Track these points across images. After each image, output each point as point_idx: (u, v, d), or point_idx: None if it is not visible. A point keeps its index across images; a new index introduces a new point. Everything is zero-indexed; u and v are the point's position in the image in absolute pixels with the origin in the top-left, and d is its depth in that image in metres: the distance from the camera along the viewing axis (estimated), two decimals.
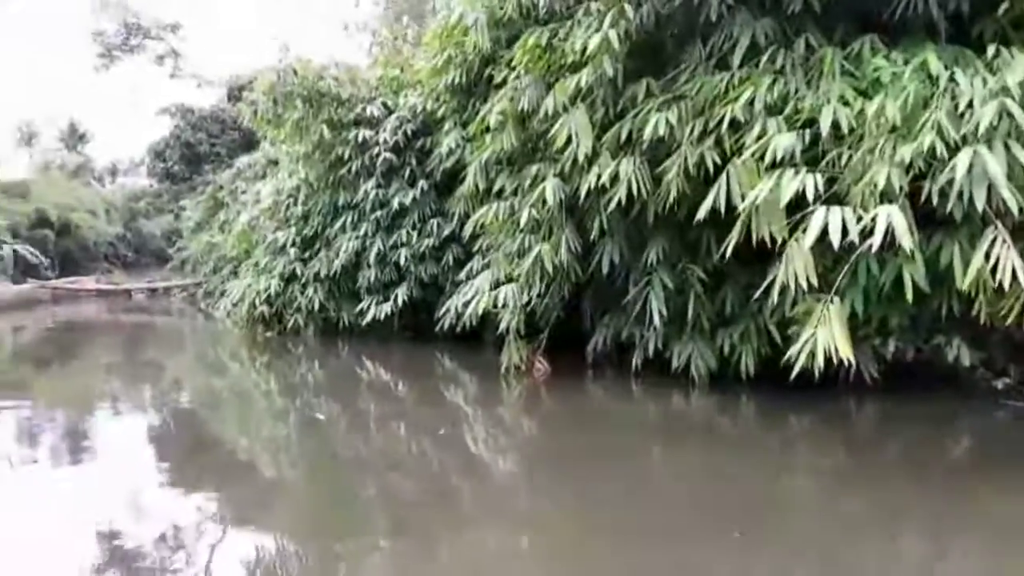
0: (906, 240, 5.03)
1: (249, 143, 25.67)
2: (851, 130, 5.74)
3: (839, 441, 6.75)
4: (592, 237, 8.08)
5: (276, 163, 17.86)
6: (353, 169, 12.80)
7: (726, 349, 7.80)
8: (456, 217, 11.34)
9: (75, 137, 47.73)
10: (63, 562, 3.91)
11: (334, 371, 11.77)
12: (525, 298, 8.75)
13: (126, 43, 34.20)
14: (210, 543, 4.31)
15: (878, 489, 5.16)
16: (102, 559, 4.03)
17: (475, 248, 10.80)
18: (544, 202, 8.06)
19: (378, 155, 12.37)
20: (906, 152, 5.19)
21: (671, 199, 6.86)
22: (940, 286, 6.16)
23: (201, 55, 42.82)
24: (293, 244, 14.10)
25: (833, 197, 5.55)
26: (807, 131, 6.00)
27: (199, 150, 30.31)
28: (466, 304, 9.77)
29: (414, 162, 12.42)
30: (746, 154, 6.11)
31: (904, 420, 7.10)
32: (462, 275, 10.98)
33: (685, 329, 8.03)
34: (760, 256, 6.76)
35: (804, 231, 5.36)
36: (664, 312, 7.82)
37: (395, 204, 12.32)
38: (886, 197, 5.19)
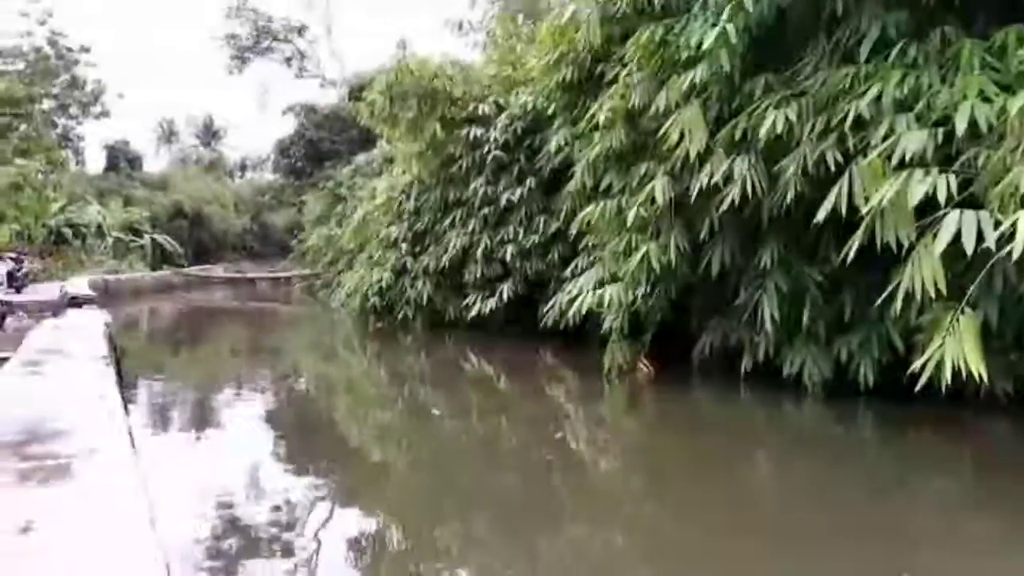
0: None
1: (367, 140, 26.51)
2: (990, 128, 5.30)
3: (964, 461, 6.27)
4: (702, 237, 7.86)
5: (392, 161, 18.37)
6: (464, 166, 13.00)
7: (843, 357, 7.40)
8: (563, 215, 11.29)
9: (210, 134, 50.88)
10: (185, 527, 4.15)
11: (440, 363, 12.01)
12: (630, 298, 8.60)
13: (256, 45, 36.07)
14: (318, 520, 4.48)
15: (1004, 517, 4.76)
16: (221, 526, 4.27)
17: (581, 246, 10.72)
18: (653, 200, 7.90)
19: (488, 153, 12.52)
20: None
21: (788, 200, 6.58)
22: None
23: (326, 56, 44.48)
24: (404, 239, 14.50)
25: (967, 200, 5.14)
26: (940, 129, 5.59)
27: (321, 147, 31.60)
28: (570, 302, 9.71)
29: (523, 160, 12.48)
30: (872, 153, 5.76)
31: None
32: (567, 272, 10.93)
33: (799, 335, 7.67)
34: (883, 260, 6.38)
35: (934, 236, 4.99)
36: (777, 317, 7.50)
37: (503, 201, 12.42)
38: None
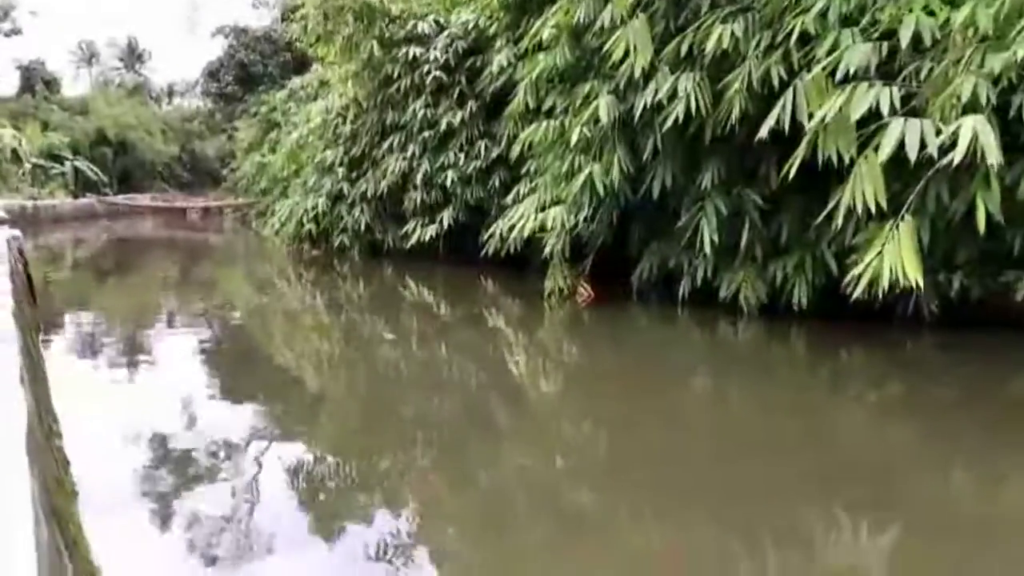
0: (993, 154, 4.60)
1: (302, 65, 25.47)
2: (935, 42, 5.30)
3: (891, 375, 6.45)
4: (645, 159, 7.77)
5: (327, 85, 17.67)
6: (402, 88, 12.56)
7: (778, 279, 7.50)
8: (504, 140, 11.05)
9: (134, 57, 48.17)
10: (119, 462, 3.95)
11: (378, 291, 11.80)
12: (572, 221, 8.51)
13: None
14: (255, 453, 4.30)
15: (929, 422, 4.92)
16: (154, 462, 4.06)
17: (522, 171, 10.54)
18: (597, 120, 7.75)
19: (428, 73, 12.10)
20: (996, 62, 4.74)
21: (732, 118, 6.51)
22: (1019, 219, 5.75)
23: None
24: (341, 164, 14.04)
25: (910, 113, 5.14)
26: (884, 44, 5.56)
27: (253, 71, 30.26)
28: (511, 228, 9.57)
29: (464, 81, 12.10)
30: (816, 68, 5.71)
31: (961, 358, 6.74)
32: (508, 199, 10.75)
33: (736, 258, 7.74)
34: (822, 182, 6.41)
35: (876, 148, 4.99)
36: (716, 239, 7.53)
37: (443, 124, 12.08)
38: (970, 109, 4.76)
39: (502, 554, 3.19)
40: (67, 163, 30.85)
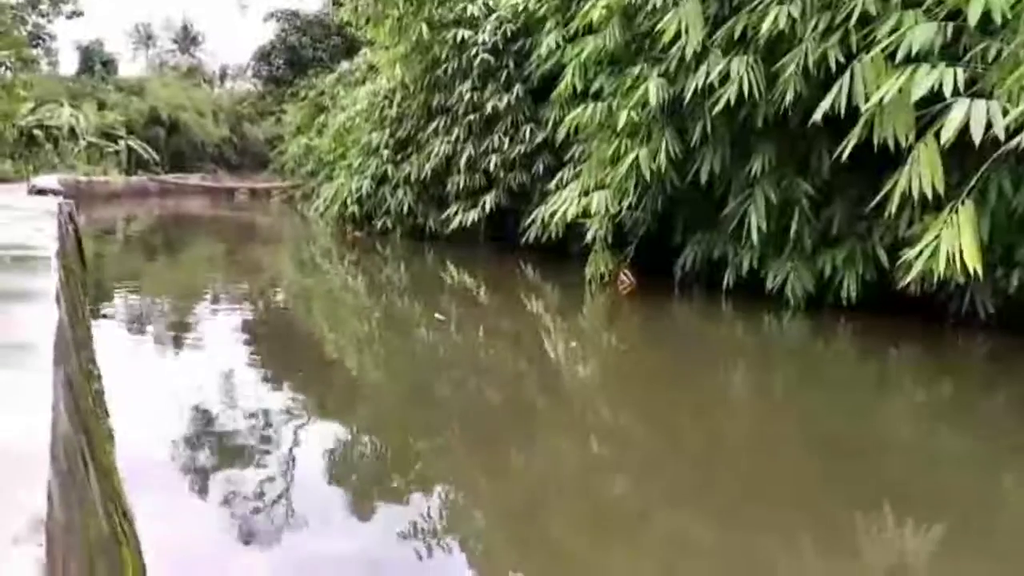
0: None
1: (351, 49, 25.65)
2: (1005, 21, 5.04)
3: (943, 376, 6.21)
4: (693, 144, 7.60)
5: (376, 69, 17.75)
6: (449, 71, 12.51)
7: (827, 272, 7.28)
8: (550, 124, 10.93)
9: (188, 39, 49.07)
10: (162, 433, 3.95)
11: (419, 274, 11.80)
12: (616, 207, 8.38)
13: None
14: (294, 430, 4.28)
15: (981, 426, 4.70)
16: (196, 435, 4.06)
17: (567, 157, 10.43)
18: (645, 103, 7.60)
19: (475, 56, 12.03)
20: None
21: (786, 100, 6.31)
22: None
23: None
24: (386, 146, 14.09)
25: (974, 96, 4.91)
26: (949, 24, 5.32)
27: (303, 54, 30.56)
28: (553, 214, 9.47)
29: (511, 65, 12.01)
30: (875, 49, 5.48)
31: (1019, 361, 6.45)
32: (551, 185, 10.64)
33: (784, 249, 7.53)
34: (875, 172, 6.19)
35: (937, 132, 4.77)
36: (763, 229, 7.34)
37: (489, 108, 12.00)
38: None
39: (537, 539, 3.12)
40: (121, 142, 31.56)
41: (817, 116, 5.82)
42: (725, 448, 4.26)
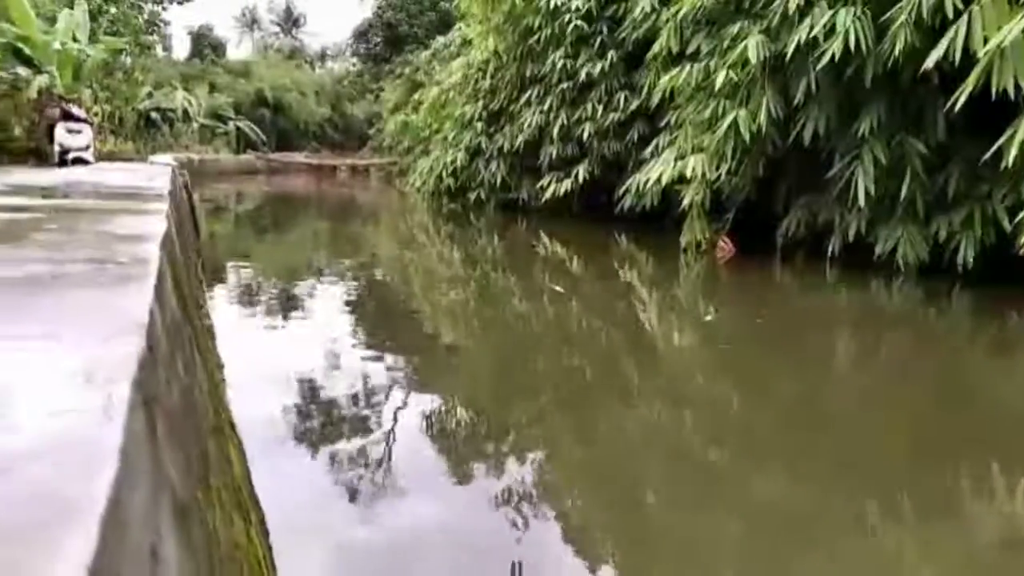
0: None
1: (445, 25, 25.84)
2: None
3: None
4: (796, 103, 7.27)
5: (469, 43, 17.82)
6: (542, 39, 12.41)
7: (941, 236, 6.86)
8: (644, 90, 10.69)
9: (290, 21, 50.62)
10: (268, 402, 4.10)
11: (512, 245, 11.84)
12: (714, 173, 8.14)
13: None
14: (392, 399, 4.38)
15: None
16: (300, 404, 4.20)
17: (662, 124, 10.18)
18: (745, 62, 7.32)
19: (569, 23, 11.87)
20: None
21: (896, 52, 5.93)
22: None
23: None
24: (479, 118, 14.16)
25: None
26: None
27: (400, 31, 31.03)
28: (648, 181, 9.29)
29: (605, 31, 11.79)
30: None
31: None
32: (646, 153, 10.44)
33: (895, 212, 7.13)
34: (996, 128, 5.75)
35: None
36: (872, 192, 6.97)
37: (582, 75, 11.85)
38: None
39: (630, 510, 3.09)
40: (230, 123, 33.00)
41: (929, 63, 5.45)
42: (830, 419, 4.09)
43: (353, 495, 3.06)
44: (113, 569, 0.55)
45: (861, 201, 7.02)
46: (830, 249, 7.75)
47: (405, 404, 4.29)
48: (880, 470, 3.25)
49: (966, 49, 5.19)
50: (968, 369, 4.87)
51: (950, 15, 5.60)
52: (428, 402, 4.39)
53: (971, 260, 6.61)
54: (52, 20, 13.62)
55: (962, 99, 5.06)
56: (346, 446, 3.59)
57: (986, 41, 4.93)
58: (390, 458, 3.46)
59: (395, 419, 4.02)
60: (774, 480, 3.23)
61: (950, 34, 5.27)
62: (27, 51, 11.71)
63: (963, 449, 3.48)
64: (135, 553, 0.61)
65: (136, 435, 0.72)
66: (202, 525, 1.05)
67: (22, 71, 11.74)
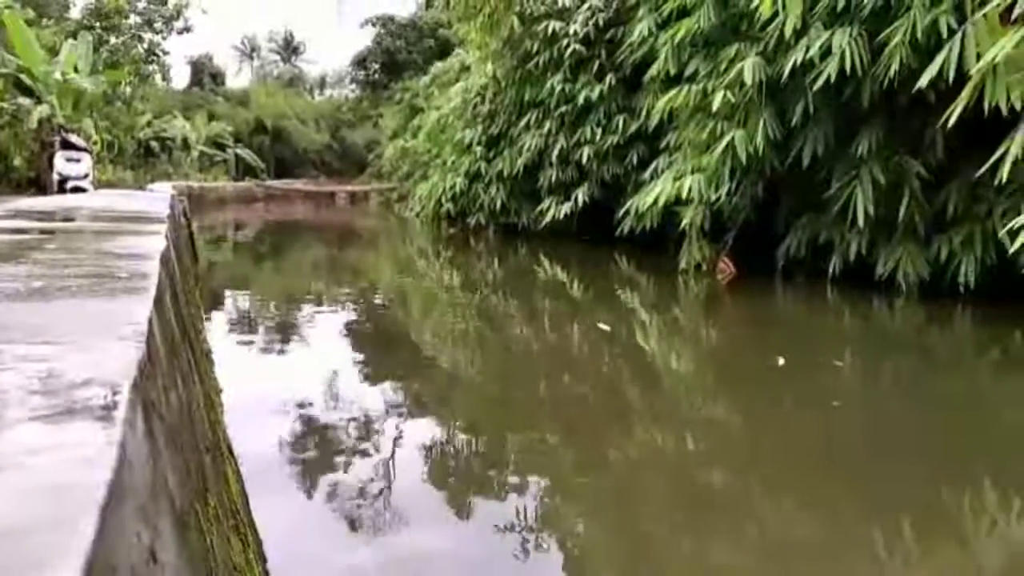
0: None
1: (444, 51, 26.09)
2: None
3: None
4: (794, 124, 7.31)
5: (468, 69, 17.99)
6: (540, 63, 12.53)
7: (942, 256, 6.86)
8: (643, 113, 10.76)
9: (290, 50, 51.13)
10: (264, 434, 4.04)
11: (513, 269, 11.82)
12: (713, 194, 8.15)
13: None
14: (393, 427, 4.32)
15: None
16: (300, 431, 4.15)
17: (660, 146, 10.24)
18: (741, 84, 7.36)
19: (567, 47, 11.98)
20: None
21: (892, 72, 5.97)
22: None
23: None
24: (479, 143, 14.23)
25: None
26: None
27: (398, 58, 31.30)
28: (647, 202, 9.30)
29: (603, 54, 11.90)
30: (989, 6, 5.10)
31: None
32: (645, 175, 10.48)
33: (895, 232, 7.14)
34: (993, 145, 5.76)
35: None
36: (871, 212, 6.98)
37: (581, 99, 11.93)
38: None
39: (634, 537, 3.04)
40: (229, 150, 33.22)
41: (923, 82, 5.47)
42: (834, 444, 4.04)
43: (352, 523, 3.00)
44: (112, 565, 0.52)
45: (860, 222, 7.03)
46: (831, 269, 7.74)
47: (402, 431, 4.24)
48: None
49: (960, 68, 5.22)
50: (964, 398, 4.82)
51: (944, 35, 5.65)
52: (426, 428, 4.34)
53: (972, 280, 6.60)
54: (53, 50, 13.75)
55: (954, 116, 5.08)
56: (344, 473, 3.52)
57: (979, 59, 4.95)
58: (389, 486, 3.41)
59: (393, 446, 3.97)
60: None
61: (944, 53, 5.31)
62: (28, 82, 11.81)
63: None
64: (135, 552, 0.58)
65: (135, 434, 0.70)
66: (200, 538, 1.02)
67: (23, 101, 11.82)
